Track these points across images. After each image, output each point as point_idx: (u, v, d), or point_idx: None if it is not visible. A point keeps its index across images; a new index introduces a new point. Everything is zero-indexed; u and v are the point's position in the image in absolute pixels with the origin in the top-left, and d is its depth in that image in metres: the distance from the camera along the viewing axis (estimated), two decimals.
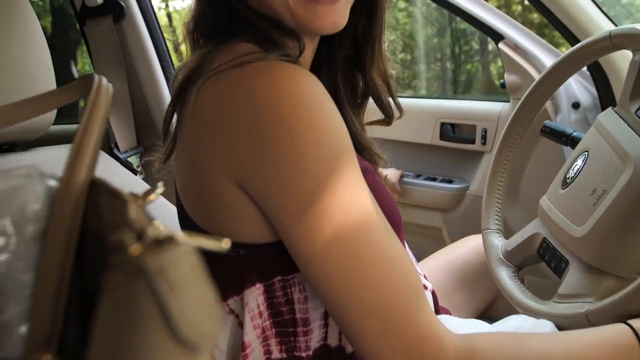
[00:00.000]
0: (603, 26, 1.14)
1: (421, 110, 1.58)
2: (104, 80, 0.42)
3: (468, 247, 1.02)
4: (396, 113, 0.78)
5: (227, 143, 0.51)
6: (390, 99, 0.77)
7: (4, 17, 0.74)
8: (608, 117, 0.81)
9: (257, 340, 0.56)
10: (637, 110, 0.76)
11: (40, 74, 0.78)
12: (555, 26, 1.16)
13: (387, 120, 0.78)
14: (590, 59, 0.86)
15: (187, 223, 0.59)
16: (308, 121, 0.49)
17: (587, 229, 0.71)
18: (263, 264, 0.55)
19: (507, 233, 0.93)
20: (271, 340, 0.57)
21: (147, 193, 0.35)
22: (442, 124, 1.53)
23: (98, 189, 0.35)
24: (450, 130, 1.53)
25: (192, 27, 0.66)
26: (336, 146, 0.51)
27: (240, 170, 0.51)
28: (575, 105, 1.26)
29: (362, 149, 0.75)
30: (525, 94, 0.92)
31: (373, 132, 0.80)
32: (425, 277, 0.80)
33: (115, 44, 1.19)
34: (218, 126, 0.52)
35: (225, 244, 0.23)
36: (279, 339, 0.57)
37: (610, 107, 0.84)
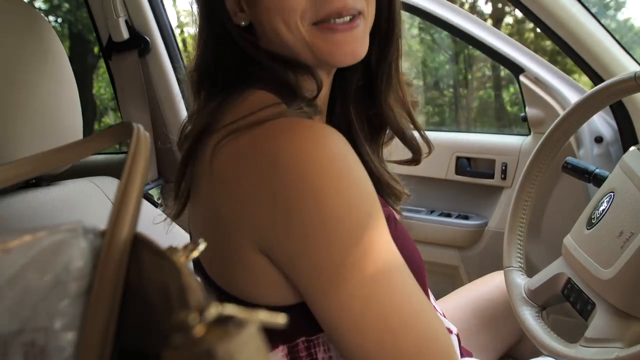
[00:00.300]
0: (626, 64, 1.14)
1: (435, 143, 1.51)
2: (141, 128, 0.42)
3: (492, 284, 0.99)
4: (424, 148, 0.73)
5: (249, 210, 0.49)
6: (416, 132, 0.72)
7: (36, 57, 0.76)
8: (633, 157, 0.81)
9: None
10: None
11: (68, 113, 0.80)
12: (578, 64, 1.17)
13: (415, 158, 0.74)
14: (615, 98, 0.86)
15: (203, 278, 0.58)
16: (335, 189, 0.47)
17: (615, 271, 0.71)
18: (286, 326, 0.54)
19: (529, 270, 0.92)
20: None
21: (189, 249, 0.35)
22: (458, 158, 1.50)
23: (140, 245, 0.35)
24: (467, 164, 1.51)
25: (197, 77, 0.63)
26: (365, 211, 0.48)
27: (264, 238, 0.49)
28: (598, 140, 1.25)
29: (381, 186, 0.71)
30: (548, 130, 0.92)
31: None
32: (444, 315, 0.79)
33: (139, 77, 1.22)
34: (239, 192, 0.50)
35: (281, 320, 0.23)
36: None
37: (635, 147, 0.84)
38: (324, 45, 0.58)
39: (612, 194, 0.79)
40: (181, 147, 0.61)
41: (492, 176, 1.46)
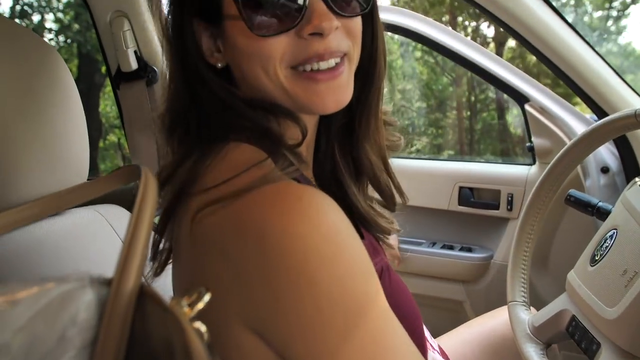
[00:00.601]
0: (623, 93, 1.15)
1: (437, 173, 1.53)
2: (149, 173, 0.43)
3: (501, 319, 0.97)
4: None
5: (237, 289, 0.46)
6: (390, 181, 0.69)
7: (46, 89, 0.77)
8: (635, 194, 0.81)
9: None
10: None
11: (76, 144, 0.81)
12: (581, 98, 1.18)
13: (388, 205, 0.70)
14: (615, 134, 0.87)
15: None
16: (329, 272, 0.44)
17: (619, 311, 0.70)
18: None
19: (537, 304, 0.92)
20: None
21: (193, 300, 0.36)
22: (461, 188, 1.48)
23: (145, 295, 0.36)
24: (470, 194, 1.48)
25: (169, 120, 0.58)
26: (361, 290, 0.45)
27: (255, 318, 0.46)
28: (604, 170, 1.25)
29: (369, 224, 0.68)
30: (550, 164, 0.92)
31: None
32: (445, 354, 0.78)
33: (147, 107, 1.23)
34: (225, 269, 0.46)
35: None
36: None
37: (636, 182, 0.84)
38: (305, 96, 0.55)
39: (615, 230, 0.79)
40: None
41: (497, 207, 1.44)
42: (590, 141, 0.88)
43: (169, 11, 0.58)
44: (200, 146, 0.55)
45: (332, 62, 0.55)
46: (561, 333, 0.83)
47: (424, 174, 1.43)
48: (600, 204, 0.94)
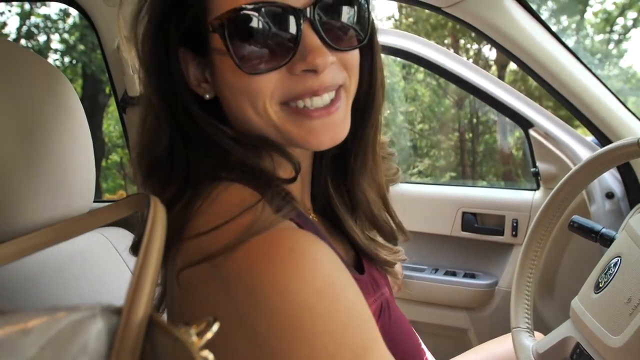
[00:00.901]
0: (627, 121, 1.16)
1: (440, 198, 1.52)
2: (158, 202, 0.44)
3: (507, 346, 0.96)
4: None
5: (230, 344, 0.42)
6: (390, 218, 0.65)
7: (55, 114, 0.79)
8: (638, 222, 0.81)
9: None
10: None
11: (82, 167, 0.82)
12: (582, 123, 1.19)
13: (388, 241, 0.67)
14: (617, 162, 0.87)
15: None
16: (326, 327, 0.41)
17: (625, 339, 0.70)
18: None
19: (543, 329, 0.91)
20: None
21: (202, 329, 0.36)
22: (464, 214, 1.47)
23: (154, 324, 0.36)
24: (474, 220, 1.47)
25: (149, 162, 0.53)
26: (359, 341, 0.42)
27: None
28: (609, 195, 1.25)
29: (369, 257, 0.65)
30: (552, 191, 0.93)
31: None
32: None
33: None
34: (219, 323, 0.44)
35: None
36: None
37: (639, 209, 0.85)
38: (297, 132, 0.52)
39: (619, 258, 0.79)
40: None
41: (501, 233, 1.43)
42: (592, 168, 0.89)
43: (149, 37, 0.53)
44: (188, 187, 0.51)
45: (326, 97, 0.52)
46: None
47: (426, 199, 1.43)
48: (603, 230, 0.94)
